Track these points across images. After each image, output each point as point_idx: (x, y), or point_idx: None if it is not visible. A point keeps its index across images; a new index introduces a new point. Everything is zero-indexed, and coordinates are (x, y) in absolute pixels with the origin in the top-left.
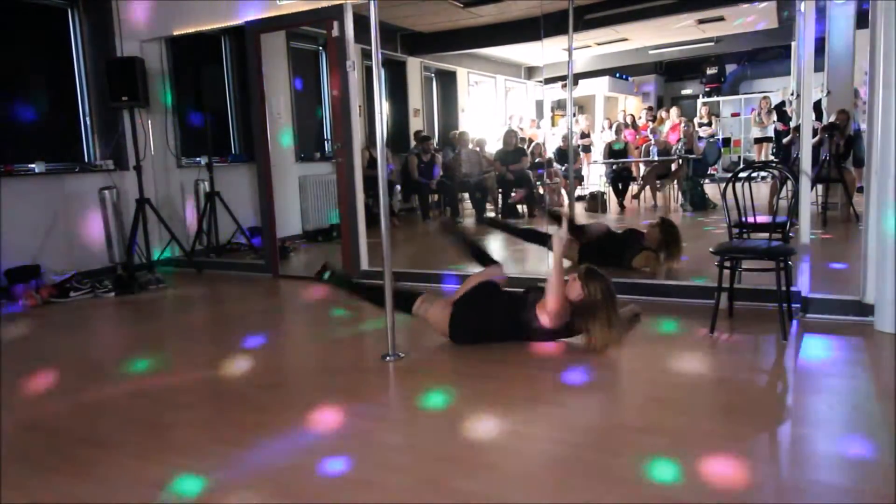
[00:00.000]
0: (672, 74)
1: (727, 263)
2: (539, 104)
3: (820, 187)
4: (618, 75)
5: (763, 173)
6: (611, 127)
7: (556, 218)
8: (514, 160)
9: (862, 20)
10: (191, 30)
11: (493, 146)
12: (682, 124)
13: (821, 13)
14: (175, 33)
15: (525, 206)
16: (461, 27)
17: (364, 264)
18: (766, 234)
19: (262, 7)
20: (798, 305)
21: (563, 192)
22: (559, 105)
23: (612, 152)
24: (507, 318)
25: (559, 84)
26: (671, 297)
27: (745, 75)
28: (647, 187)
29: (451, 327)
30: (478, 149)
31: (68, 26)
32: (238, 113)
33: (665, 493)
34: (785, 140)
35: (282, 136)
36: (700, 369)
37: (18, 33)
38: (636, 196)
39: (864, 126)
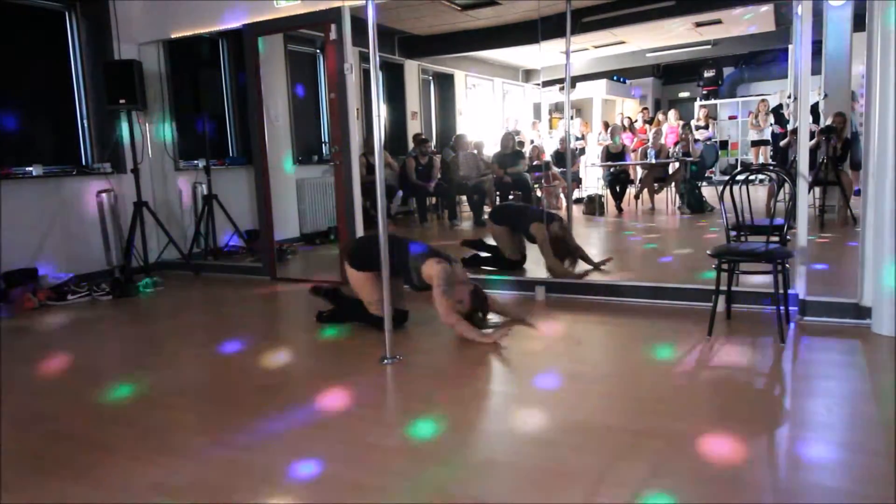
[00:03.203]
0: (669, 77)
1: (725, 266)
2: (536, 107)
3: (817, 190)
4: (615, 78)
5: (760, 176)
6: (607, 130)
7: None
8: (512, 163)
9: (859, 23)
10: (188, 32)
11: (491, 149)
12: (679, 127)
13: (818, 16)
14: (173, 36)
15: None
16: (459, 30)
17: None
18: (764, 237)
19: (260, 9)
20: (795, 308)
21: (562, 194)
22: (557, 108)
23: (609, 155)
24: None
25: (557, 87)
26: (669, 300)
27: (742, 78)
28: (645, 190)
29: (350, 254)
30: (475, 151)
31: (66, 29)
32: (236, 116)
33: (663, 495)
34: (782, 143)
35: (279, 139)
36: (698, 372)
37: (16, 36)
38: (636, 198)
39: (861, 129)
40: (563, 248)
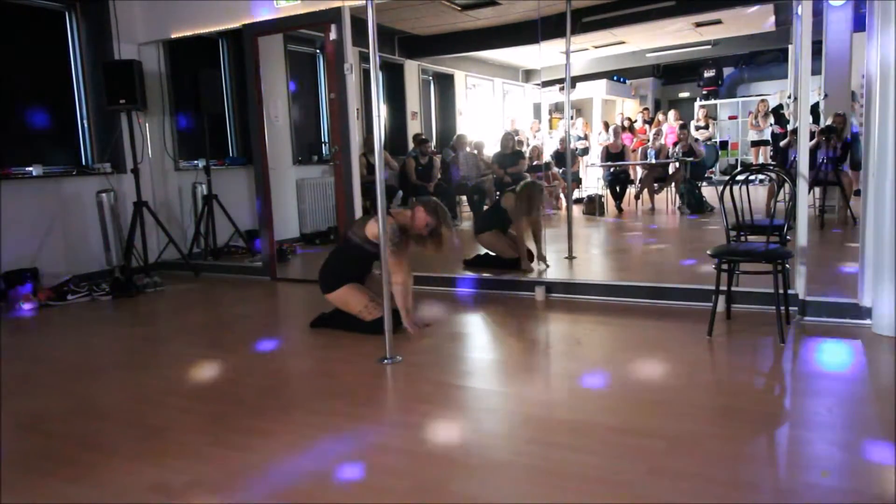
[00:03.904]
0: (669, 77)
1: (725, 266)
2: (536, 107)
3: (817, 190)
4: (615, 78)
5: (760, 176)
6: (607, 130)
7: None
8: (512, 163)
9: (859, 23)
10: (188, 32)
11: (491, 149)
12: (678, 128)
13: (818, 16)
14: (173, 36)
15: None
16: (459, 30)
17: None
18: (764, 237)
19: (260, 9)
20: (796, 308)
21: (562, 194)
22: (557, 108)
23: (609, 155)
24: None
25: (557, 87)
26: (669, 300)
27: (742, 78)
28: (645, 190)
29: (324, 284)
30: (475, 151)
31: (66, 29)
32: (236, 116)
33: (663, 495)
34: (782, 143)
35: (279, 139)
36: (698, 372)
37: (16, 36)
38: (636, 198)
39: (861, 129)
40: (527, 205)
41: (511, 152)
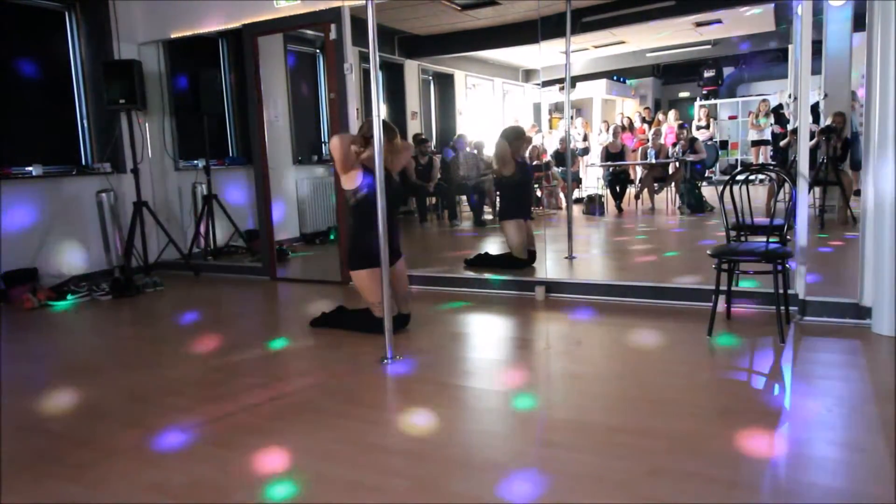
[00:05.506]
0: (669, 77)
1: (725, 266)
2: (536, 107)
3: (817, 190)
4: (615, 78)
5: (760, 176)
6: (608, 130)
7: None
8: None
9: (859, 23)
10: (188, 32)
11: (491, 149)
12: (676, 127)
13: (818, 16)
14: (173, 36)
15: None
16: (459, 30)
17: None
18: (764, 237)
19: (260, 9)
20: (796, 308)
21: (561, 194)
22: (557, 108)
23: (609, 155)
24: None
25: (556, 87)
26: (669, 300)
27: (742, 78)
28: (645, 190)
29: (350, 259)
30: (475, 151)
31: (66, 29)
32: (235, 116)
33: (663, 495)
34: (782, 143)
35: (279, 139)
36: (698, 372)
37: (16, 36)
38: (636, 198)
39: (861, 129)
40: (513, 143)
41: None
